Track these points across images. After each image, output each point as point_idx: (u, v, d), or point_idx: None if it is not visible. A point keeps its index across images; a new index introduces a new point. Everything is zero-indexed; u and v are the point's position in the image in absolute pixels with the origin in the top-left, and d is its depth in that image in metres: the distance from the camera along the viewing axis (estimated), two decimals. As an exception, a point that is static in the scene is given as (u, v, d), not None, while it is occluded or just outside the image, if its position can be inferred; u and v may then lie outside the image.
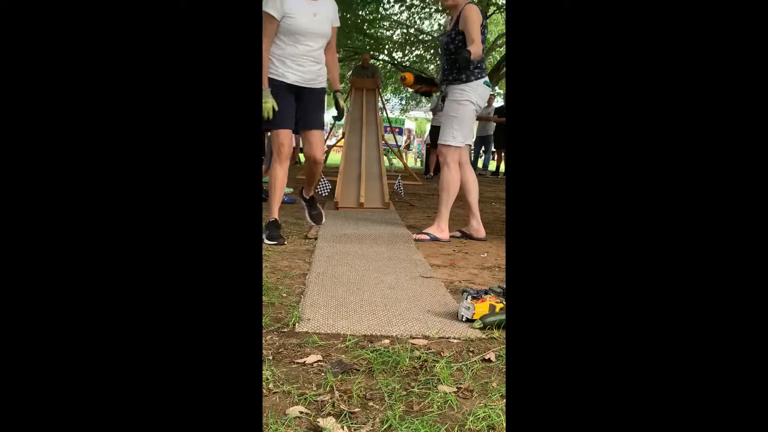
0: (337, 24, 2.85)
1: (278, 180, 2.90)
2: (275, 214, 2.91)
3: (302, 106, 2.86)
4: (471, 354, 1.44)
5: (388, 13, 13.36)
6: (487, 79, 3.11)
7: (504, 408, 1.11)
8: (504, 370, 1.33)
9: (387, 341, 1.50)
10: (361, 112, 6.45)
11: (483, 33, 3.00)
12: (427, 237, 3.11)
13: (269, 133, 5.02)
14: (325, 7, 2.75)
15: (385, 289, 2.04)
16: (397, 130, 14.81)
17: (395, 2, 12.52)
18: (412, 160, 16.82)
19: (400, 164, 9.16)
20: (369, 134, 5.95)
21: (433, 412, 1.10)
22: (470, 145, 3.28)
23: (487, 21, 3.20)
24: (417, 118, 24.38)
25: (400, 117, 20.21)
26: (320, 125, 2.99)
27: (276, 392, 1.17)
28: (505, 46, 10.12)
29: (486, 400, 1.16)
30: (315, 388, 1.19)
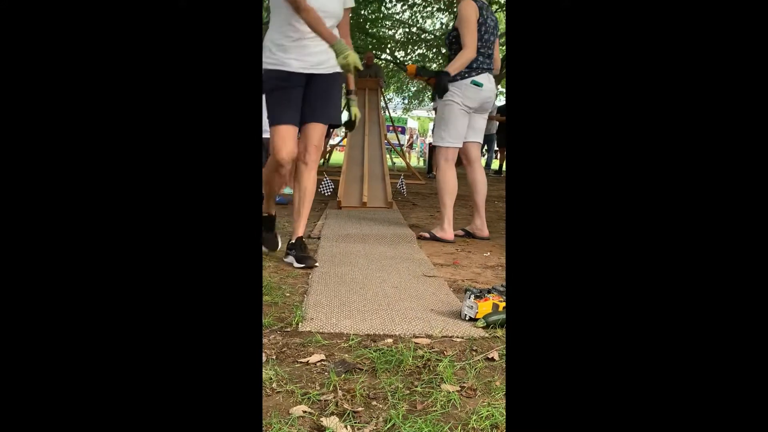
0: (351, 4, 2.40)
1: (273, 187, 2.52)
2: (300, 231, 2.47)
3: (308, 95, 2.36)
4: (474, 353, 1.44)
5: (390, 12, 13.36)
6: (476, 78, 2.99)
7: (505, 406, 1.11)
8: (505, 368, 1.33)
9: (390, 340, 1.50)
10: (363, 112, 6.46)
11: (481, 30, 2.96)
12: (428, 235, 3.11)
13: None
14: None
15: (388, 288, 2.04)
16: (399, 129, 14.81)
17: (397, 1, 12.52)
18: (415, 159, 16.82)
19: (403, 163, 9.16)
20: (371, 134, 5.95)
21: (437, 411, 1.10)
22: (479, 143, 3.26)
23: (490, 13, 3.10)
24: (420, 117, 24.38)
25: (403, 116, 20.21)
26: (324, 117, 2.41)
27: (279, 392, 1.17)
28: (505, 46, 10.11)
29: (489, 399, 1.16)
30: (318, 388, 1.19)
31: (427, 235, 3.12)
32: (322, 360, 1.35)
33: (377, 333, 1.56)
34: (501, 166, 10.40)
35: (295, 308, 1.75)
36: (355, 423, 1.04)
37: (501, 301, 1.67)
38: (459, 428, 1.04)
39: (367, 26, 12.79)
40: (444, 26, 14.04)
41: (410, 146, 17.86)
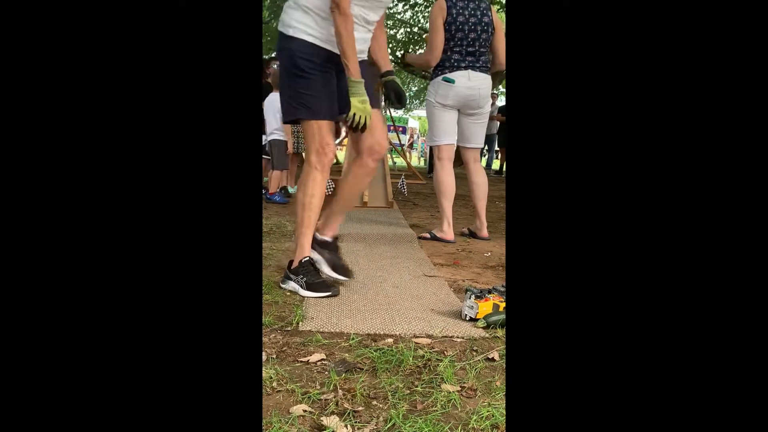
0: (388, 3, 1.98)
1: (315, 198, 1.92)
2: (307, 250, 1.97)
3: (341, 85, 1.89)
4: (474, 353, 1.43)
5: (391, 12, 13.37)
6: (448, 75, 2.94)
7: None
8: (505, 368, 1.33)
9: (390, 340, 1.50)
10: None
11: (450, 29, 2.91)
12: (428, 236, 3.11)
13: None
14: None
15: (388, 288, 2.04)
16: (400, 129, 14.80)
17: (399, 1, 12.52)
18: (416, 159, 16.82)
19: (404, 163, 9.15)
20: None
21: (437, 411, 1.10)
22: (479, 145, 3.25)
23: (473, 10, 2.97)
24: (420, 117, 24.34)
25: (404, 116, 20.19)
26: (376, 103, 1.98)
27: (279, 391, 1.17)
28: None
29: (490, 399, 1.16)
30: (318, 387, 1.19)
31: (427, 235, 3.12)
32: (322, 359, 1.35)
33: (378, 332, 1.56)
34: (502, 166, 10.39)
35: (295, 307, 1.75)
36: (355, 422, 1.04)
37: (501, 302, 1.67)
38: (459, 428, 1.04)
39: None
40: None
41: (411, 146, 17.85)
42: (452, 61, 2.97)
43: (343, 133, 9.22)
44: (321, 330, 1.56)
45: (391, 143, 7.27)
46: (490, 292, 1.73)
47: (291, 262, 1.98)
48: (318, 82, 1.82)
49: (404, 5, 12.79)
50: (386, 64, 2.08)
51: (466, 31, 2.94)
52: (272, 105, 4.57)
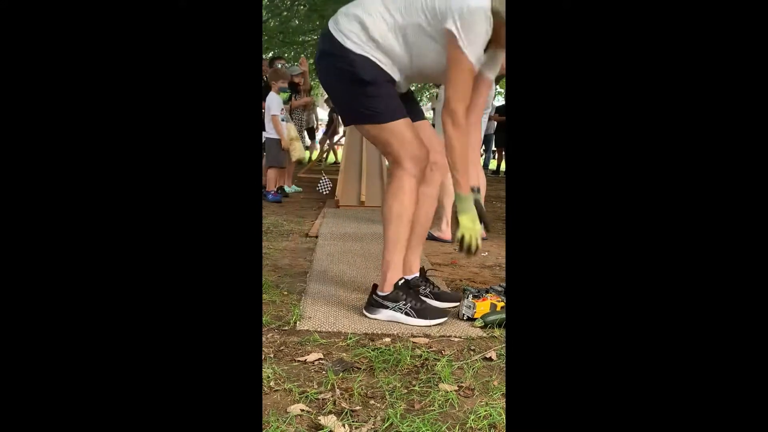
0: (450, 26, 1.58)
1: (410, 211, 1.71)
2: (401, 271, 1.74)
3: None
4: (472, 353, 1.44)
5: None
6: None
7: (504, 406, 1.12)
8: (505, 368, 1.34)
9: (388, 339, 1.50)
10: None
11: None
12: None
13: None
14: None
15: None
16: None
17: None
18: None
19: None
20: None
21: (435, 410, 1.10)
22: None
23: None
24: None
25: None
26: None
27: (277, 390, 1.17)
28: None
29: (487, 398, 1.17)
30: (316, 387, 1.20)
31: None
32: (320, 359, 1.35)
33: (375, 332, 1.56)
34: (499, 166, 10.40)
35: (293, 307, 1.75)
36: (352, 422, 1.04)
37: (499, 301, 1.67)
38: (457, 428, 1.04)
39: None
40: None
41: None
42: None
43: (341, 132, 9.22)
44: (318, 329, 1.56)
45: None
46: (487, 291, 1.73)
47: (376, 286, 1.71)
48: (384, 87, 1.64)
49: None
50: (474, 176, 1.71)
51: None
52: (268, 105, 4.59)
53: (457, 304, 1.80)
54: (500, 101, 10.56)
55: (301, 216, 3.82)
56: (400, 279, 1.71)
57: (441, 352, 1.42)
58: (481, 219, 1.66)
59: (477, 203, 1.68)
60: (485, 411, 1.09)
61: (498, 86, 12.31)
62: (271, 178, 4.67)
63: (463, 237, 1.61)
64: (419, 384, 1.22)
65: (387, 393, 1.17)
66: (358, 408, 1.10)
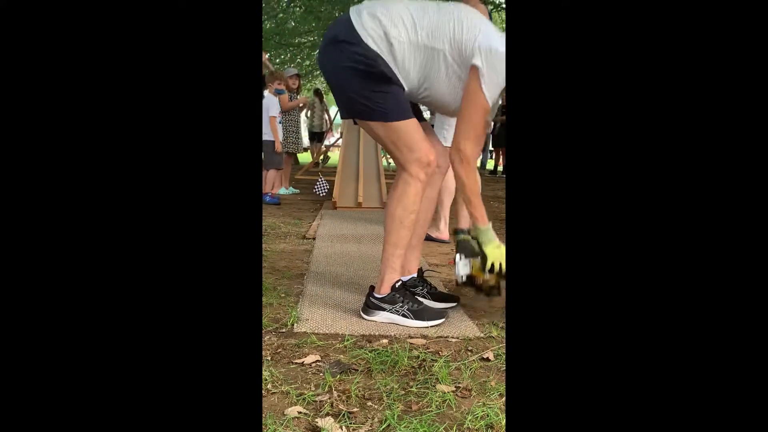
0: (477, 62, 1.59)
1: (414, 216, 1.69)
2: (399, 273, 1.74)
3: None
4: (469, 353, 1.44)
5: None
6: None
7: (502, 407, 1.12)
8: (502, 368, 1.34)
9: (385, 341, 1.50)
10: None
11: None
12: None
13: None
14: None
15: (383, 288, 2.04)
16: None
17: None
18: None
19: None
20: (367, 134, 5.94)
21: (432, 411, 1.10)
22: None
23: None
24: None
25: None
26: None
27: (274, 392, 1.17)
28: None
29: (484, 399, 1.17)
30: (313, 388, 1.19)
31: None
32: (317, 361, 1.35)
33: (372, 333, 1.56)
34: (496, 166, 10.41)
35: (290, 309, 1.74)
36: (350, 424, 1.04)
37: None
38: (454, 428, 1.04)
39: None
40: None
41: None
42: None
43: (337, 134, 9.21)
44: (316, 331, 1.55)
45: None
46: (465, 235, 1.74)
47: (373, 288, 1.71)
48: (395, 87, 1.61)
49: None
50: (482, 215, 1.69)
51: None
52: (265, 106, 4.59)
53: (455, 304, 1.80)
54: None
55: (298, 218, 3.82)
56: (397, 281, 1.70)
57: (438, 353, 1.42)
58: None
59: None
60: (482, 411, 1.09)
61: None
62: (269, 180, 4.67)
63: (493, 265, 1.63)
64: (416, 385, 1.22)
65: (384, 394, 1.17)
66: (355, 410, 1.10)
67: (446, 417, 1.09)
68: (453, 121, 2.78)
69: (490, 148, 10.44)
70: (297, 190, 5.52)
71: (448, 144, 3.04)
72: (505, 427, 1.04)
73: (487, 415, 1.07)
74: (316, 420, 1.05)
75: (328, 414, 1.07)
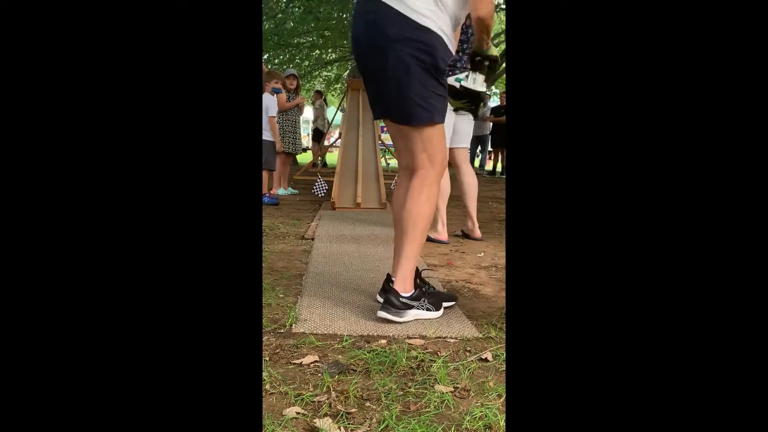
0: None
1: (432, 214, 1.71)
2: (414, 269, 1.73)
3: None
4: (468, 354, 1.44)
5: (385, 12, 13.32)
6: (459, 75, 2.96)
7: (500, 407, 1.12)
8: (501, 369, 1.34)
9: (384, 341, 1.50)
10: (357, 112, 6.46)
11: (464, 30, 3.00)
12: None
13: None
14: None
15: (381, 289, 2.04)
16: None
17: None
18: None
19: (397, 164, 9.15)
20: (365, 134, 5.95)
21: (430, 411, 1.10)
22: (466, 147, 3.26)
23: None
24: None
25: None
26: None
27: (273, 393, 1.16)
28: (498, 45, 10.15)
29: (483, 399, 1.17)
30: (312, 389, 1.19)
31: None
32: (315, 361, 1.35)
33: (371, 334, 1.56)
34: (494, 167, 10.41)
35: (288, 309, 1.74)
36: (348, 424, 1.04)
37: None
38: (452, 429, 1.04)
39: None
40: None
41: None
42: (463, 62, 3.00)
43: (336, 135, 9.22)
44: (314, 332, 1.55)
45: (384, 144, 7.28)
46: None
47: (393, 290, 1.65)
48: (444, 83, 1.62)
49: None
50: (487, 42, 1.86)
51: (469, 34, 3.00)
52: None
53: (454, 303, 1.81)
54: (495, 102, 10.58)
55: (297, 218, 3.82)
56: (417, 277, 1.72)
57: (437, 354, 1.41)
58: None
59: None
60: (481, 412, 1.09)
61: (493, 87, 12.34)
62: (265, 180, 4.67)
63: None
64: (415, 385, 1.22)
65: (383, 395, 1.17)
66: (353, 410, 1.10)
67: (444, 417, 1.09)
68: (450, 122, 2.82)
69: (489, 148, 10.45)
70: (296, 191, 5.52)
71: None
72: (504, 428, 1.04)
73: (486, 416, 1.07)
74: (315, 420, 1.05)
75: (326, 414, 1.07)
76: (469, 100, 3.05)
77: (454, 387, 1.22)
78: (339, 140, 6.48)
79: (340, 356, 1.39)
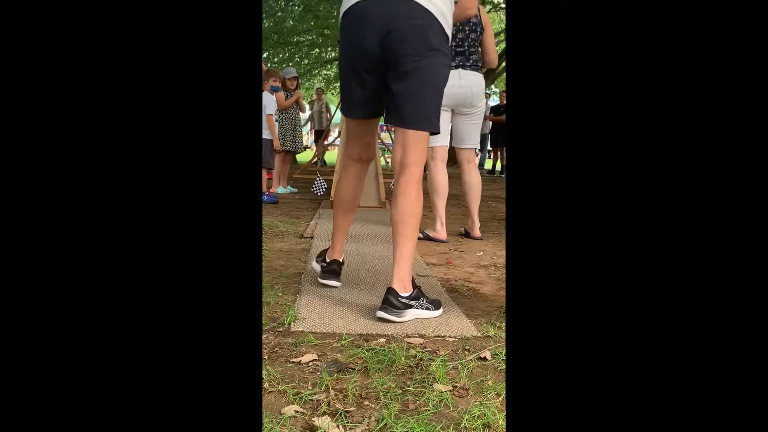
0: None
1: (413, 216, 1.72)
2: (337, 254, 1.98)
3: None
4: (467, 352, 1.44)
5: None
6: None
7: (499, 406, 1.12)
8: (499, 368, 1.34)
9: (383, 340, 1.50)
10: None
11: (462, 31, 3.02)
12: (421, 235, 3.11)
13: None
14: None
15: (380, 287, 2.04)
16: (393, 128, 14.79)
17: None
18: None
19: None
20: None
21: (429, 410, 1.10)
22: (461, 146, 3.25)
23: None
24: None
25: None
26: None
27: (271, 391, 1.16)
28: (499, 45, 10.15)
29: (482, 398, 1.17)
30: (310, 388, 1.19)
31: (420, 235, 3.13)
32: (314, 360, 1.35)
33: (370, 332, 1.56)
34: (494, 166, 10.42)
35: (287, 308, 1.74)
36: (347, 423, 1.04)
37: None
38: (451, 428, 1.04)
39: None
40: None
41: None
42: (456, 61, 2.98)
43: (335, 134, 9.22)
44: (313, 330, 1.55)
45: (383, 143, 7.27)
46: None
47: (392, 290, 1.66)
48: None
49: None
50: None
51: (454, 32, 2.95)
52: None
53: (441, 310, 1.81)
54: (495, 101, 10.58)
55: (296, 217, 3.81)
56: (413, 276, 1.74)
57: (435, 352, 1.41)
58: None
59: None
60: (479, 411, 1.09)
61: (493, 86, 12.33)
62: (264, 179, 4.66)
63: None
64: (414, 384, 1.22)
65: (381, 393, 1.16)
66: (352, 409, 1.10)
67: (443, 416, 1.09)
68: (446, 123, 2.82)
69: (488, 147, 10.46)
70: (295, 189, 5.52)
71: (435, 144, 3.04)
72: (503, 427, 1.04)
73: (485, 415, 1.07)
74: (313, 419, 1.05)
75: (325, 413, 1.07)
76: None
77: (452, 386, 1.22)
78: (338, 139, 6.47)
79: (338, 355, 1.39)
